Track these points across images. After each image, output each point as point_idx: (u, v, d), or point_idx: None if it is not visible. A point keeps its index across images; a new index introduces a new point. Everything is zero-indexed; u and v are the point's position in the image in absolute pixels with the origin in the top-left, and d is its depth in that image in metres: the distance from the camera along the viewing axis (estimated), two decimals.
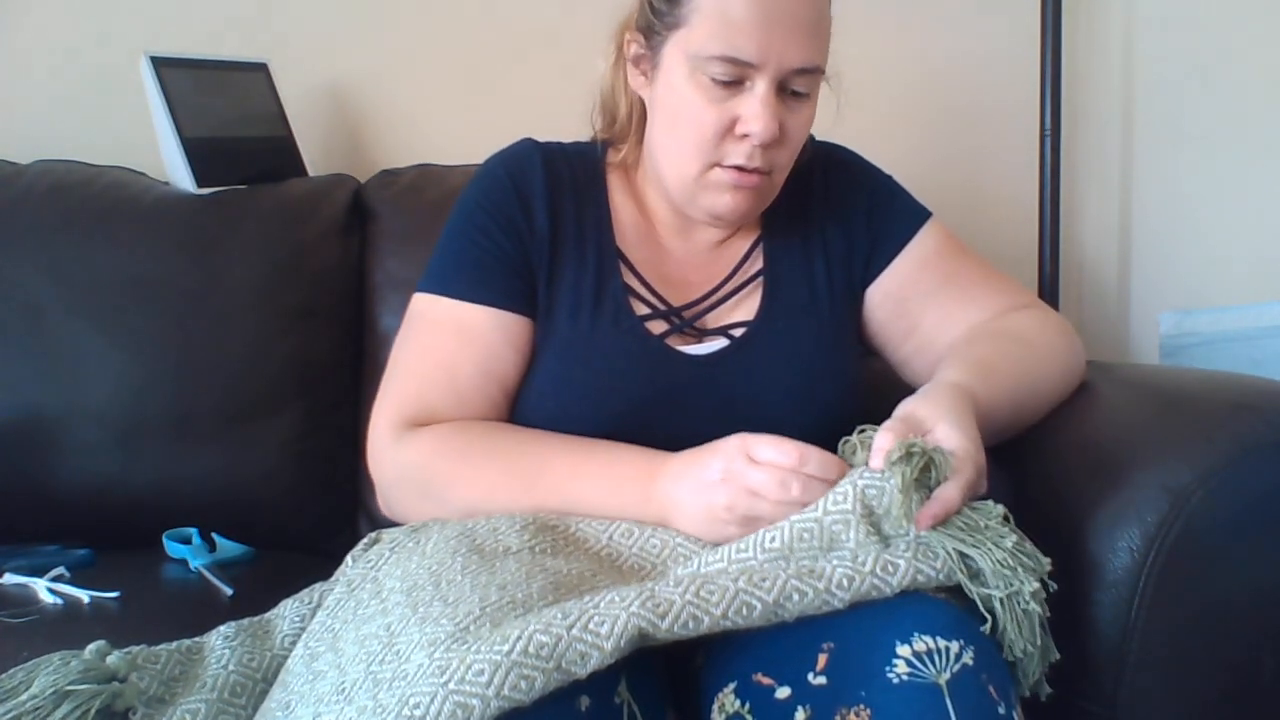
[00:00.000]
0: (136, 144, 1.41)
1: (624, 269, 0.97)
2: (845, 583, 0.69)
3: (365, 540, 0.89)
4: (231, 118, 1.43)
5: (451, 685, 0.60)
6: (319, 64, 1.58)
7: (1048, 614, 0.71)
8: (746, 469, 0.77)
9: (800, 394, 0.95)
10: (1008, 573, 0.70)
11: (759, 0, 0.85)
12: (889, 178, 1.08)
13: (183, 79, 1.37)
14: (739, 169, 0.90)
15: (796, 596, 0.68)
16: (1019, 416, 0.92)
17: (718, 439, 0.81)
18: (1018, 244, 1.61)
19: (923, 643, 0.67)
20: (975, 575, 0.71)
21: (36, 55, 1.55)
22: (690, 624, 0.66)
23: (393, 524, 0.94)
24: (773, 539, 0.74)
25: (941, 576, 0.71)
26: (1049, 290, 1.57)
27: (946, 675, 0.65)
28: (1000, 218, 1.64)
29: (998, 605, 0.70)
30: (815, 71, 0.90)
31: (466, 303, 0.95)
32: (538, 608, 0.67)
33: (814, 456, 0.77)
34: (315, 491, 1.32)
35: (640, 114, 0.99)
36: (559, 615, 0.64)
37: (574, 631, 0.63)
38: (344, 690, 0.66)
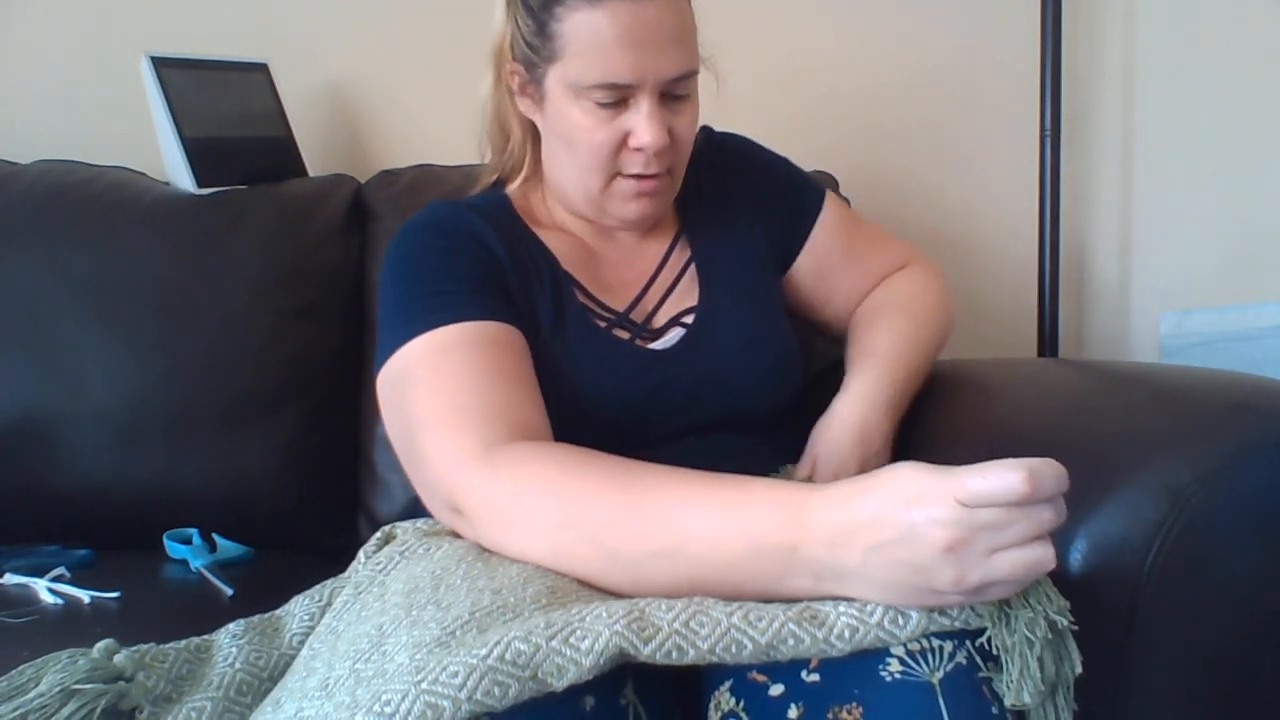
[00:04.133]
0: (136, 144, 1.42)
1: (577, 292, 0.99)
2: (847, 634, 0.65)
3: (378, 536, 0.88)
4: (231, 118, 1.43)
5: (424, 685, 0.60)
6: (319, 64, 1.58)
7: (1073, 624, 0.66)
8: (974, 523, 0.60)
9: (759, 366, 1.02)
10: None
11: (624, 25, 0.88)
12: (785, 160, 1.15)
13: (183, 79, 1.37)
14: (639, 177, 0.96)
15: (792, 641, 0.66)
16: (923, 374, 1.08)
17: (879, 481, 0.65)
18: (1018, 244, 1.62)
19: (917, 641, 0.67)
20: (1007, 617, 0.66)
21: (36, 55, 1.55)
22: (674, 654, 0.64)
23: (403, 518, 0.93)
24: None
25: (959, 624, 0.66)
26: (1049, 290, 1.57)
27: (939, 674, 0.65)
28: (1000, 218, 1.64)
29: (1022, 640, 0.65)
30: (691, 76, 0.94)
31: (476, 321, 0.88)
32: (528, 612, 0.67)
33: (1042, 470, 0.60)
34: (315, 491, 1.32)
35: (534, 135, 1.03)
36: (543, 625, 0.63)
37: (553, 644, 0.62)
38: (327, 686, 0.66)
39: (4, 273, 1.27)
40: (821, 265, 1.13)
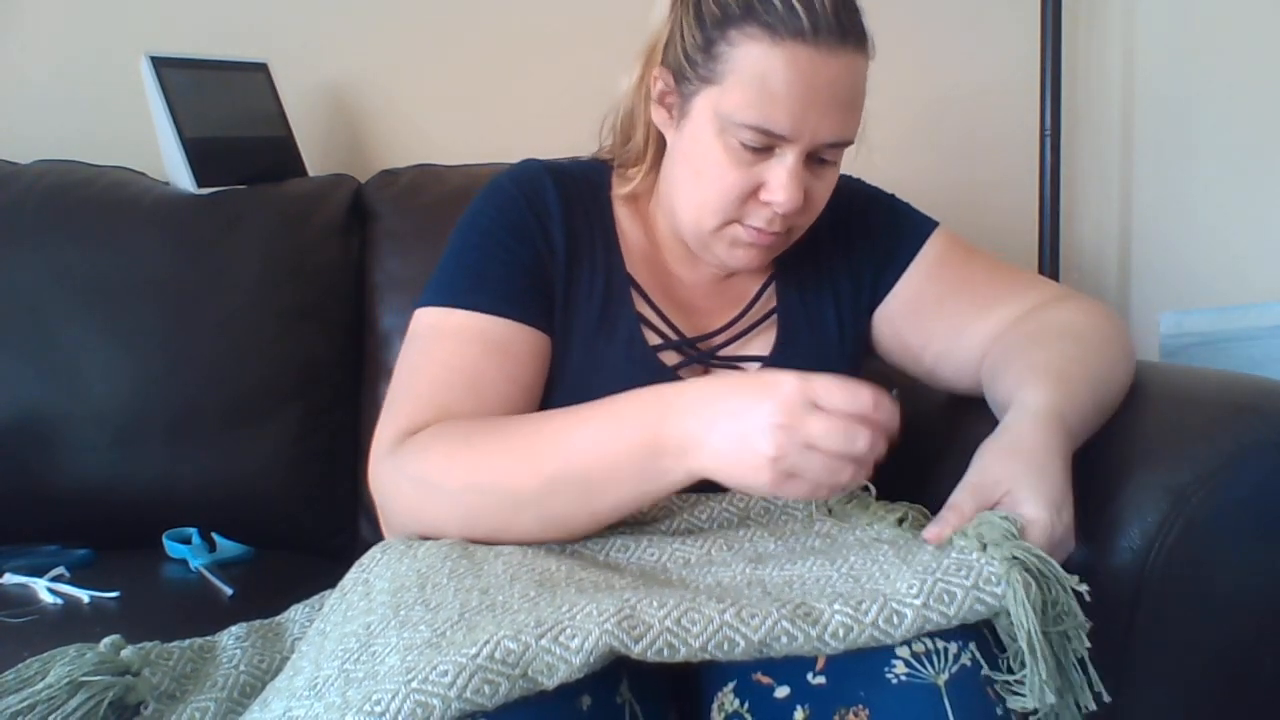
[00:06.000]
0: (136, 144, 1.42)
1: (636, 296, 0.95)
2: (841, 632, 0.66)
3: (374, 549, 0.88)
4: (231, 118, 1.43)
5: (414, 684, 0.60)
6: (319, 64, 1.58)
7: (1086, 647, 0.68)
8: (806, 419, 0.67)
9: None
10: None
11: (800, 75, 0.82)
12: (890, 198, 1.06)
13: (183, 79, 1.37)
14: (757, 229, 0.89)
15: (785, 639, 0.66)
16: (1101, 420, 0.87)
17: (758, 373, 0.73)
18: (1018, 244, 1.61)
19: (921, 644, 0.67)
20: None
21: (36, 55, 1.55)
22: (665, 651, 0.64)
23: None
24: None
25: (956, 620, 0.67)
26: None
27: (945, 676, 0.66)
28: (1000, 218, 1.64)
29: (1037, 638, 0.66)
30: (845, 145, 0.88)
31: (490, 315, 0.89)
32: (516, 606, 0.67)
33: (884, 402, 0.69)
34: (315, 491, 1.32)
35: (658, 144, 0.96)
36: (532, 623, 0.63)
37: (543, 642, 0.62)
38: (316, 686, 0.66)
39: (4, 273, 1.27)
40: (914, 306, 1.00)
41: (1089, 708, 0.68)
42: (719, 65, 0.84)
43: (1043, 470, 0.74)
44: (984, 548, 0.69)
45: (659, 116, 0.92)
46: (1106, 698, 0.68)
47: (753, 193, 0.87)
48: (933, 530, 0.72)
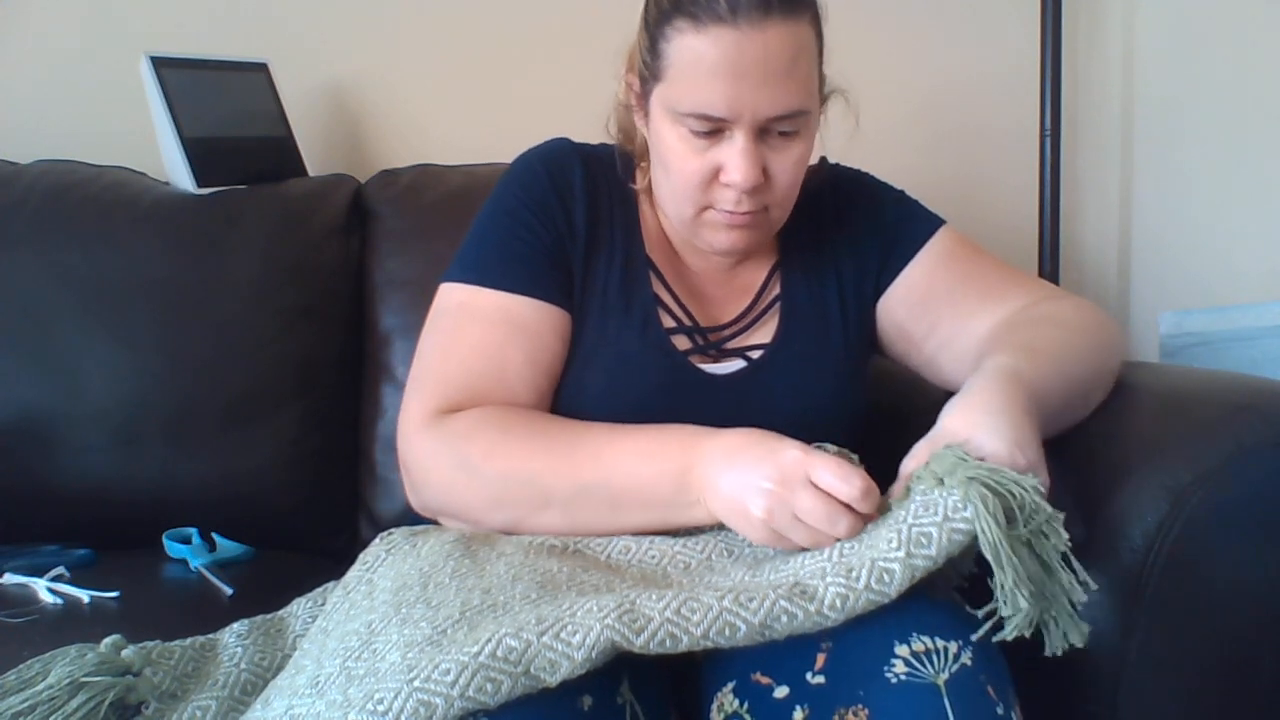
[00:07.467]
0: (136, 144, 1.42)
1: (654, 279, 0.98)
2: (839, 603, 0.67)
3: (377, 540, 0.89)
4: (231, 118, 1.43)
5: (417, 683, 0.61)
6: (319, 64, 1.58)
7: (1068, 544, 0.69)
8: (798, 492, 0.73)
9: (810, 419, 0.94)
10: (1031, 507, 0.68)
11: (725, 56, 0.84)
12: (899, 193, 1.07)
13: (183, 79, 1.37)
14: (730, 212, 0.91)
15: (785, 619, 0.67)
16: (1072, 396, 0.88)
17: (776, 432, 0.79)
18: (1018, 244, 1.61)
19: (921, 643, 0.67)
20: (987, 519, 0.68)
21: (36, 55, 1.55)
22: (668, 642, 0.65)
23: (404, 518, 0.94)
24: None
25: (941, 558, 0.68)
26: None
27: (945, 675, 0.66)
28: (1000, 218, 1.64)
29: (1016, 546, 0.67)
30: (797, 115, 0.88)
31: (514, 294, 0.93)
32: (518, 607, 0.67)
33: (873, 492, 0.73)
34: (315, 491, 1.32)
35: None
36: (533, 620, 0.64)
37: (544, 639, 0.63)
38: (318, 684, 0.67)
39: (4, 273, 1.27)
40: (918, 297, 1.02)
41: (1080, 602, 0.69)
42: (661, 62, 0.88)
43: (1001, 413, 0.75)
44: (940, 481, 0.70)
45: (637, 118, 0.96)
46: (1093, 586, 0.69)
47: (714, 176, 0.90)
48: (896, 487, 0.76)
